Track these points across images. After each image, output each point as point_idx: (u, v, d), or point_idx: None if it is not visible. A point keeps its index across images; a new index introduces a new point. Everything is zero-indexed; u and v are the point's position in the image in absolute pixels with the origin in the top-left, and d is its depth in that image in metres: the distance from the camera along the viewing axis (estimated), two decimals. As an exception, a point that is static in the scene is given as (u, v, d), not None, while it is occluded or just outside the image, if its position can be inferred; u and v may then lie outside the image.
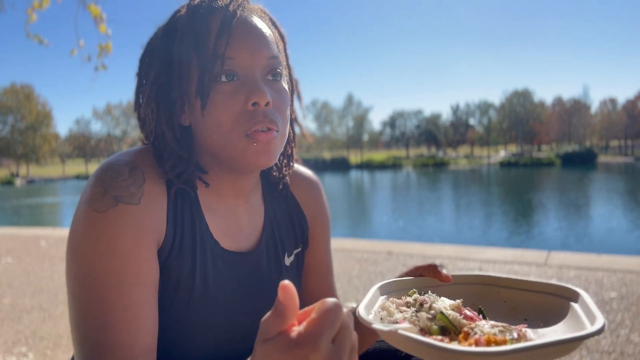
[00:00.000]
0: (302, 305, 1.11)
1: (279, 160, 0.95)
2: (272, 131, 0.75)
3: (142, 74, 0.83)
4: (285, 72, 0.84)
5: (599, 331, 0.55)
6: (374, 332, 0.83)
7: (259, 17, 0.81)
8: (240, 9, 0.78)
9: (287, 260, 0.93)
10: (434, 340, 0.55)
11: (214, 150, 0.78)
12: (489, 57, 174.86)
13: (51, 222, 15.20)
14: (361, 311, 0.65)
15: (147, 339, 0.70)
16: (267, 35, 0.79)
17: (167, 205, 0.77)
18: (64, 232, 7.73)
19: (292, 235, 0.96)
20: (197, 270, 0.79)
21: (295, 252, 0.96)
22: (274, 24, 0.86)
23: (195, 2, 0.79)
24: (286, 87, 0.82)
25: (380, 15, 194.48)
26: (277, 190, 0.95)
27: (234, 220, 0.87)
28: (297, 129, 0.95)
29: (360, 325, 0.85)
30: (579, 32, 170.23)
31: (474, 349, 0.52)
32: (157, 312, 0.74)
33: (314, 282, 1.01)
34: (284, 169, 0.95)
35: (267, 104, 0.75)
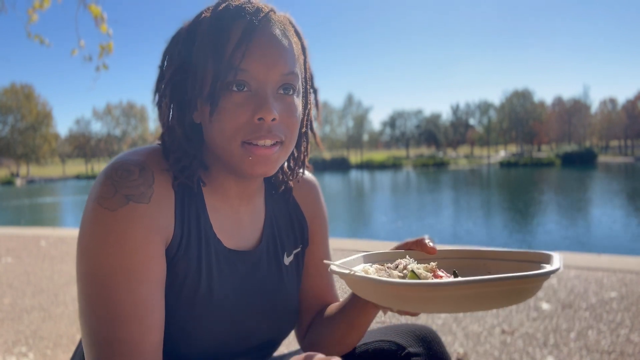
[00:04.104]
0: (301, 305, 1.11)
1: (287, 169, 0.94)
2: (274, 147, 0.76)
3: (162, 69, 0.83)
4: (300, 85, 0.82)
5: (549, 272, 0.57)
6: (372, 306, 0.84)
7: (283, 29, 0.78)
8: (264, 20, 0.76)
9: (287, 260, 0.95)
10: (381, 277, 0.57)
11: (216, 153, 0.79)
12: (489, 57, 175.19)
13: (51, 222, 15.20)
14: (333, 265, 0.68)
15: (155, 334, 0.72)
16: (287, 49, 0.77)
17: (175, 204, 0.78)
18: (64, 232, 7.74)
19: (292, 236, 0.97)
20: (203, 268, 0.81)
21: (294, 252, 0.97)
22: (298, 35, 0.83)
23: (221, 7, 0.78)
24: (299, 100, 0.81)
25: (381, 15, 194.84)
26: (278, 191, 0.96)
27: (235, 220, 0.88)
28: (307, 134, 0.93)
29: (358, 303, 0.87)
30: (579, 32, 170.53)
31: (418, 281, 0.55)
32: (164, 308, 0.75)
33: (314, 282, 1.01)
34: (290, 176, 0.95)
35: (274, 119, 0.75)
